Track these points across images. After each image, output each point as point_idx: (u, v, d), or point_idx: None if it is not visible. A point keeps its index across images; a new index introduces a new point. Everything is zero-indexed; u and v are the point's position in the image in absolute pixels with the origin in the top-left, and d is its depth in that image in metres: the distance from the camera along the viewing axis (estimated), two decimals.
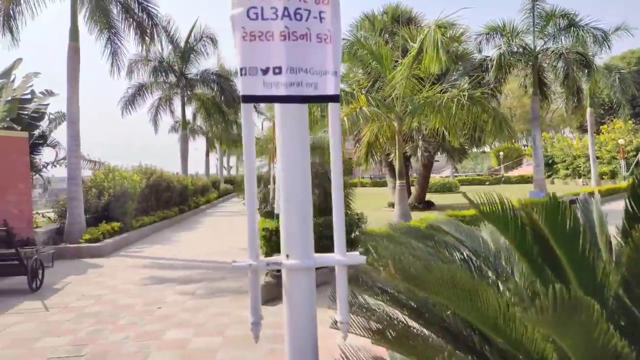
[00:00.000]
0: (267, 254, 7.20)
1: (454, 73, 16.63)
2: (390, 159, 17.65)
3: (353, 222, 8.56)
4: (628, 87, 21.78)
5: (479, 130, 17.35)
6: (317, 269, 2.01)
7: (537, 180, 19.16)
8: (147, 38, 13.41)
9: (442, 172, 53.46)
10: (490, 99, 11.64)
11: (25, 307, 6.84)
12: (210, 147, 41.89)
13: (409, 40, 11.34)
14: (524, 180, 44.59)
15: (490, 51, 18.00)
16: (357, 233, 8.69)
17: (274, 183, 7.60)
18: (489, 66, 18.19)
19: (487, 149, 39.76)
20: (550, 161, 39.31)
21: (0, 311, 6.62)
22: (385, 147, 12.46)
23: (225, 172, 47.45)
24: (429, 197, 21.71)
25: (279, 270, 6.47)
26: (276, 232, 7.12)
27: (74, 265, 10.09)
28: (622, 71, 22.31)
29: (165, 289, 7.76)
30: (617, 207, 2.39)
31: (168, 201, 19.19)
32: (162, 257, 10.90)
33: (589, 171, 34.84)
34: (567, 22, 17.73)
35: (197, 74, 27.12)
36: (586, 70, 17.64)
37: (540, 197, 18.21)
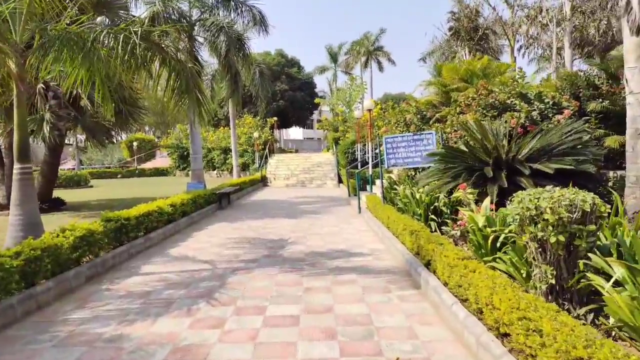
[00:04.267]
0: None
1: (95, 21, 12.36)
2: None
3: None
4: (266, 83, 22.54)
5: (131, 104, 13.74)
6: None
7: (195, 171, 16.95)
8: None
9: (64, 163, 45.60)
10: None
11: None
12: None
13: None
14: (159, 172, 42.99)
15: (140, 10, 14.39)
16: None
17: None
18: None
19: (123, 137, 35.37)
20: (185, 153, 38.82)
21: None
22: None
23: None
24: (56, 193, 16.35)
25: None
26: None
27: None
28: (262, 66, 22.96)
29: None
30: None
31: None
32: None
33: (222, 163, 35.99)
34: None
35: None
36: (241, 54, 16.65)
37: (200, 188, 16.18)
